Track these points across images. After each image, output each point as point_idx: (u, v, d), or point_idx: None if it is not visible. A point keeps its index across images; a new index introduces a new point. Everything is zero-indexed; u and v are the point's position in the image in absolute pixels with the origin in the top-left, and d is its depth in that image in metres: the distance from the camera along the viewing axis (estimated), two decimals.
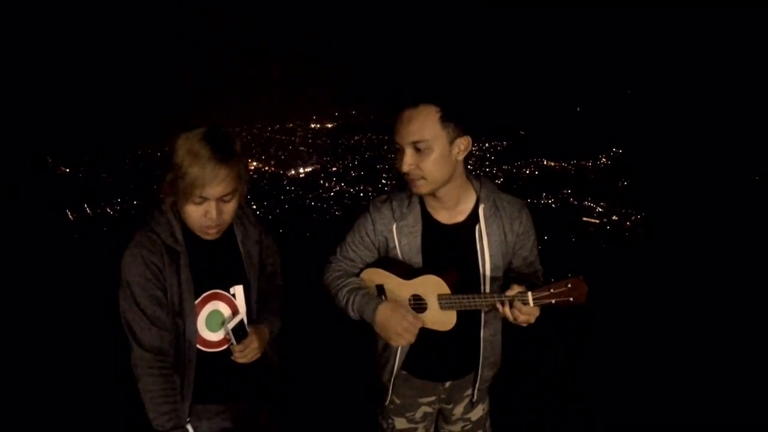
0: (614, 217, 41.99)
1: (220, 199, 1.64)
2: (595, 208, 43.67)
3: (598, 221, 41.95)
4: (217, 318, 1.81)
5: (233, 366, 1.84)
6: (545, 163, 55.41)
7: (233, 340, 1.76)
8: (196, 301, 1.74)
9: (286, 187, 53.67)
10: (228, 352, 1.83)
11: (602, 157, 55.85)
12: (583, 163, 55.10)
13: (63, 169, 56.39)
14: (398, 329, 1.80)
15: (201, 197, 1.60)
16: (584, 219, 42.38)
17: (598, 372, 4.12)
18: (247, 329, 1.81)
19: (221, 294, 1.82)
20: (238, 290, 1.87)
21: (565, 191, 47.31)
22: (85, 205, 44.16)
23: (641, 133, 66.73)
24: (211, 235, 1.73)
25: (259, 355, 1.87)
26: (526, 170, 54.39)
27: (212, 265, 1.80)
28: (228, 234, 1.84)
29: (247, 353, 1.81)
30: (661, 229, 37.89)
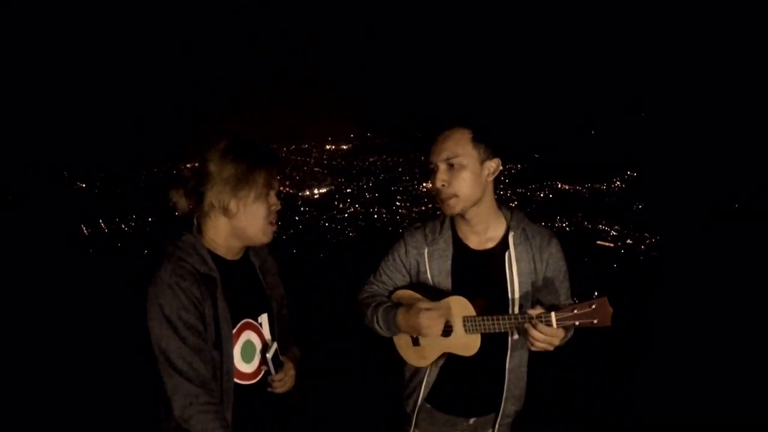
0: (629, 241, 41.71)
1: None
2: (610, 232, 43.43)
3: (612, 245, 41.69)
4: (250, 349, 1.76)
5: (265, 398, 1.80)
6: (559, 186, 55.24)
7: (272, 370, 1.74)
8: (233, 331, 1.68)
9: (301, 207, 53.67)
10: (261, 384, 1.79)
11: (616, 180, 55.68)
12: (597, 186, 54.92)
13: (79, 184, 56.86)
14: (422, 322, 1.81)
15: (271, 187, 1.66)
16: (598, 243, 42.13)
17: (622, 404, 4.06)
18: (281, 358, 1.79)
19: (252, 323, 1.77)
20: (264, 319, 1.82)
21: (579, 214, 47.09)
22: (100, 221, 44.44)
23: (655, 156, 66.50)
24: (272, 231, 1.72)
25: (293, 384, 1.86)
26: (540, 193, 54.21)
27: (242, 293, 1.74)
28: (247, 262, 1.83)
29: (286, 381, 1.80)
30: (676, 253, 37.58)
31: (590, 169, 58.20)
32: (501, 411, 2.03)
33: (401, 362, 2.12)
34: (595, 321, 1.63)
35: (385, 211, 51.86)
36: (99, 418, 3.64)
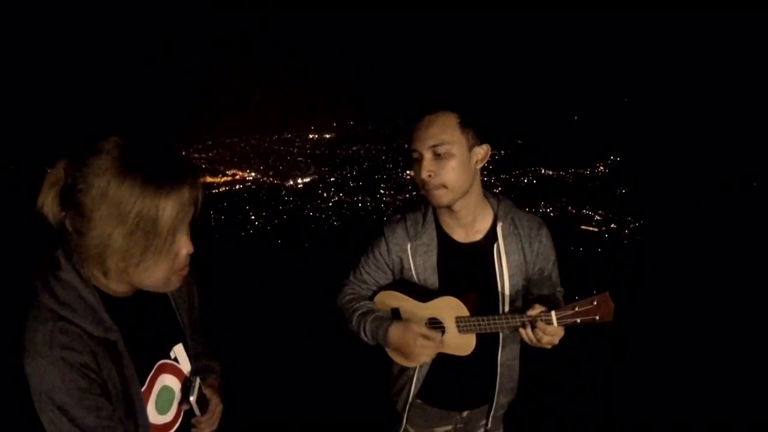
0: (612, 225, 42.08)
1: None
2: (594, 217, 43.79)
3: (596, 229, 42.03)
4: (168, 395, 1.39)
5: None
6: (543, 171, 55.64)
7: (198, 412, 1.40)
8: (143, 388, 1.27)
9: (285, 197, 53.86)
10: (182, 428, 1.44)
11: (600, 165, 56.14)
12: (581, 171, 55.36)
13: None
14: (414, 348, 1.69)
15: (181, 227, 1.14)
16: (583, 227, 42.44)
17: (613, 392, 4.04)
18: (204, 392, 1.46)
19: (165, 364, 1.37)
20: (179, 350, 1.42)
21: (563, 200, 47.46)
22: None
23: (639, 141, 67.11)
24: (180, 279, 1.22)
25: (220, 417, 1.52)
26: (524, 179, 54.59)
27: (149, 334, 1.33)
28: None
29: (214, 420, 1.48)
30: (660, 237, 37.97)
31: (574, 155, 58.69)
32: (494, 403, 1.96)
33: (388, 360, 1.99)
34: (597, 317, 1.55)
35: (369, 199, 52.09)
36: None
